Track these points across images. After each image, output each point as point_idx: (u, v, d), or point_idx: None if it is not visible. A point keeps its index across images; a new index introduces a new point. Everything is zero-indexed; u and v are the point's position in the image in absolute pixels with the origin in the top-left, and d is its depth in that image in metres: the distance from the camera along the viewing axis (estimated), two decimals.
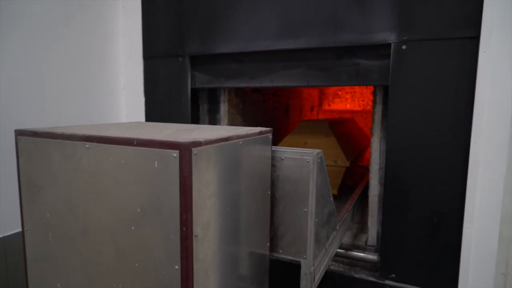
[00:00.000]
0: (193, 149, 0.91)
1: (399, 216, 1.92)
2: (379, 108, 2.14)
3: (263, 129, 1.32)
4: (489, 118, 1.65)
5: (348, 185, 2.82)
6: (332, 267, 2.17)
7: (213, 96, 2.68)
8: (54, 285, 1.25)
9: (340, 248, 2.20)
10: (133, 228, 1.02)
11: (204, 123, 2.64)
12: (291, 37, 2.06)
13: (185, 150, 0.90)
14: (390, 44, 1.84)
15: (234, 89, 2.71)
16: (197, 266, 0.97)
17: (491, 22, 1.60)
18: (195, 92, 2.51)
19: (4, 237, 1.90)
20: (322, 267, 1.55)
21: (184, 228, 0.93)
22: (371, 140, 2.20)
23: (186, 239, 0.93)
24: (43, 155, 1.20)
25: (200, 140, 0.94)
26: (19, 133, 1.27)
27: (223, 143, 1.04)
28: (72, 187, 1.15)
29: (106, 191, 1.07)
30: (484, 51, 1.63)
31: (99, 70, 2.47)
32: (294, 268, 1.65)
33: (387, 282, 1.97)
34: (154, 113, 2.58)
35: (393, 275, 1.96)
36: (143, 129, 1.32)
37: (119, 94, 2.63)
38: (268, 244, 1.40)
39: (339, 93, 5.05)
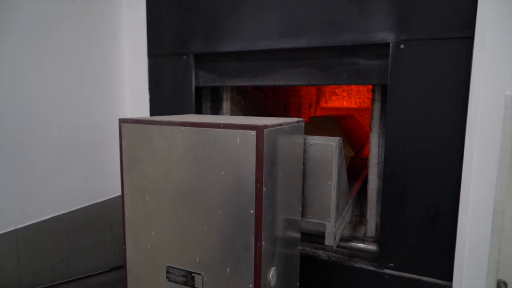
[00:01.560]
0: (264, 130, 1.28)
1: (397, 208, 2.01)
2: (377, 105, 2.23)
3: (299, 119, 1.68)
4: (483, 113, 1.74)
5: (353, 174, 2.98)
6: (332, 258, 2.25)
7: (215, 94, 2.75)
8: (149, 234, 1.58)
9: (340, 239, 2.28)
10: (218, 186, 1.39)
11: None
12: (293, 36, 2.13)
13: (260, 130, 1.28)
14: (388, 43, 1.92)
15: (236, 87, 2.78)
16: (264, 211, 1.33)
17: (485, 23, 1.69)
18: (198, 90, 2.57)
19: (16, 230, 1.95)
20: (340, 231, 1.90)
21: (258, 184, 1.32)
22: (370, 135, 2.29)
23: (259, 191, 1.32)
24: (143, 136, 1.54)
25: (268, 124, 1.32)
26: (122, 121, 1.60)
27: (279, 127, 1.42)
28: (169, 159, 1.49)
29: (197, 162, 1.43)
30: (478, 51, 1.72)
31: (104, 68, 2.52)
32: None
33: (386, 271, 2.06)
34: (158, 110, 2.64)
35: (392, 264, 2.05)
36: (215, 118, 1.67)
37: (123, 92, 2.69)
38: (301, 209, 1.76)
39: (336, 91, 5.14)
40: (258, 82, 2.38)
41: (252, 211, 1.33)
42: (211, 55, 2.43)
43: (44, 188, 2.11)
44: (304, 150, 1.72)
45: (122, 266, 2.63)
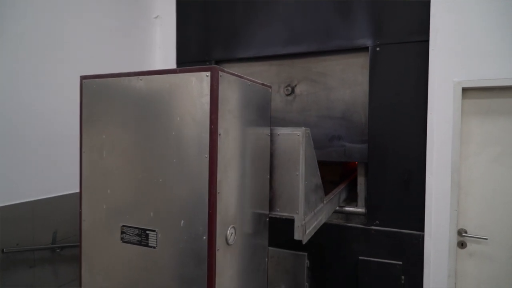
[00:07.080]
0: (219, 72, 1.28)
1: (380, 176, 2.53)
2: None
3: (267, 84, 1.69)
4: (439, 96, 2.32)
5: (344, 175, 3.48)
6: (328, 221, 2.74)
7: None
8: (105, 192, 1.50)
9: (336, 208, 2.77)
10: (173, 133, 1.34)
11: None
12: (295, 44, 2.74)
13: (214, 71, 1.26)
14: (368, 47, 2.53)
15: None
16: (219, 158, 1.29)
17: (436, 29, 2.31)
18: None
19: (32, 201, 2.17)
20: (312, 227, 1.82)
21: (212, 126, 1.25)
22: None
23: (214, 133, 1.25)
24: (103, 90, 1.50)
25: (224, 69, 1.31)
26: (84, 77, 1.56)
27: (239, 78, 1.42)
28: (126, 111, 1.45)
29: (153, 109, 1.38)
30: (433, 50, 2.33)
31: None
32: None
33: (372, 227, 2.55)
34: None
35: (377, 222, 2.55)
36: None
37: None
38: (268, 203, 1.71)
39: None
40: None
41: (206, 156, 1.25)
42: (230, 60, 3.04)
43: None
44: (271, 141, 1.69)
45: None
